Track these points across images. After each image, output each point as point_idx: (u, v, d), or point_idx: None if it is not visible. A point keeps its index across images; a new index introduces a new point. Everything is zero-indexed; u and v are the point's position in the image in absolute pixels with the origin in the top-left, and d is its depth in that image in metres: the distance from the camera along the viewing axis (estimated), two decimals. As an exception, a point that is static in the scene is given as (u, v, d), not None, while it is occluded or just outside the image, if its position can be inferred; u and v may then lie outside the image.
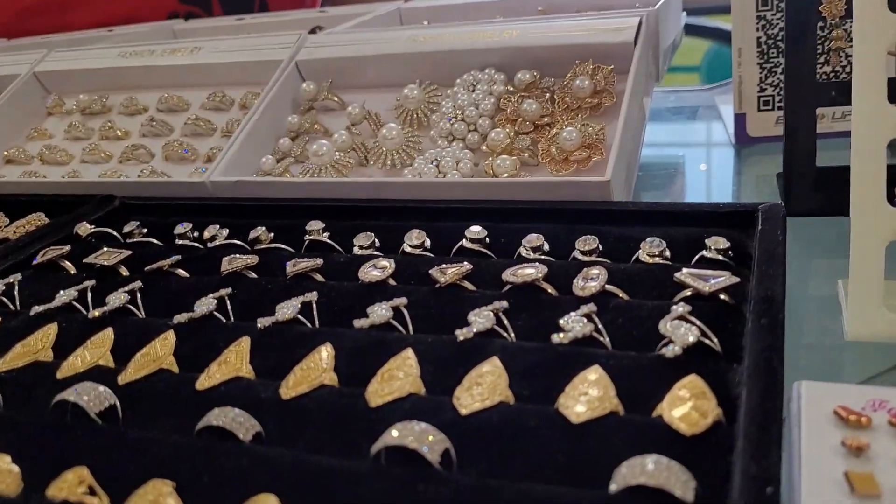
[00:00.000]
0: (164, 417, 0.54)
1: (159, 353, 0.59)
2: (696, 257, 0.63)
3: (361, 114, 0.92)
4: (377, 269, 0.66)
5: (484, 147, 0.84)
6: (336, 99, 0.97)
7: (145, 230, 0.82)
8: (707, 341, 0.52)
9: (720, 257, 0.62)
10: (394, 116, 0.93)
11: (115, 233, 0.82)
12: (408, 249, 0.71)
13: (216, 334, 0.62)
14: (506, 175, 0.79)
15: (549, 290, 0.61)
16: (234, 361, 0.57)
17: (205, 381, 0.55)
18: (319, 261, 0.69)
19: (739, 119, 0.97)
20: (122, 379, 0.57)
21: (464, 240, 0.70)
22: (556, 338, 0.53)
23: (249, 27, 1.26)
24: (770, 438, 0.42)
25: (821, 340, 0.68)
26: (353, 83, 0.99)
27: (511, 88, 0.89)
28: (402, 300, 0.61)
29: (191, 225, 0.79)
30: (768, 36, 0.94)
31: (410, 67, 0.95)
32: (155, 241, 0.80)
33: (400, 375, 0.53)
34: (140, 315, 0.67)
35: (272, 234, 0.76)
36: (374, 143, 0.88)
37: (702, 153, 1.00)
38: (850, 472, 0.40)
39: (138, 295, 0.69)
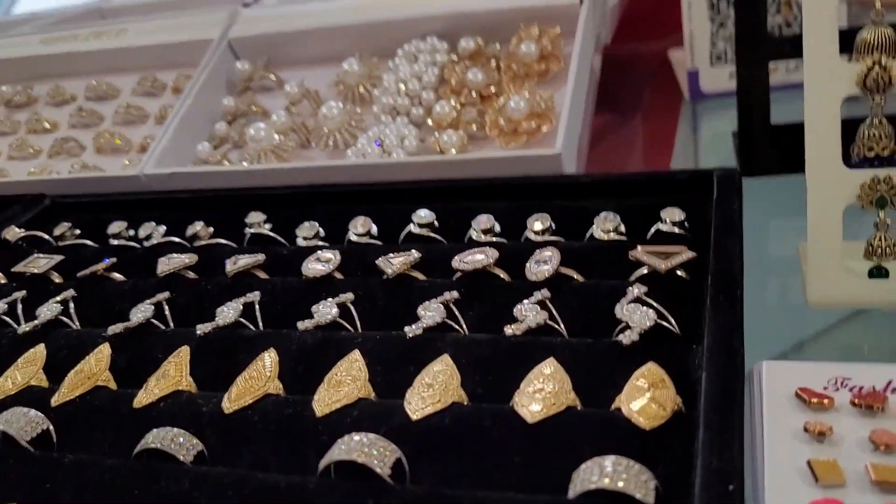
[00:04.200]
0: (101, 439, 0.51)
1: (94, 368, 0.56)
2: (652, 230, 0.61)
3: (300, 92, 0.88)
4: (321, 263, 0.63)
5: (429, 121, 0.81)
6: (273, 77, 0.93)
7: (78, 231, 0.78)
8: (665, 324, 0.50)
9: (676, 230, 0.60)
10: (335, 93, 0.89)
11: (46, 235, 0.78)
12: (354, 238, 0.68)
13: (154, 344, 0.58)
14: (453, 150, 0.76)
15: (502, 276, 0.58)
16: (174, 374, 0.54)
17: (143, 398, 0.52)
18: (260, 257, 0.65)
19: (692, 75, 0.94)
20: (56, 400, 0.54)
21: (411, 225, 0.67)
22: (510, 329, 0.51)
23: (178, 3, 1.19)
24: (731, 426, 0.40)
25: (781, 304, 0.67)
26: (291, 59, 0.94)
27: (455, 57, 0.85)
28: (349, 296, 0.58)
29: (125, 223, 0.75)
30: (717, -12, 0.91)
31: (349, 40, 0.91)
32: (89, 242, 0.76)
33: (348, 380, 0.50)
34: (74, 326, 0.64)
35: (211, 230, 0.73)
36: (315, 122, 0.84)
37: (657, 111, 0.97)
38: (813, 460, 0.39)
39: (71, 304, 0.65)
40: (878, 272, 0.56)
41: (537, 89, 0.79)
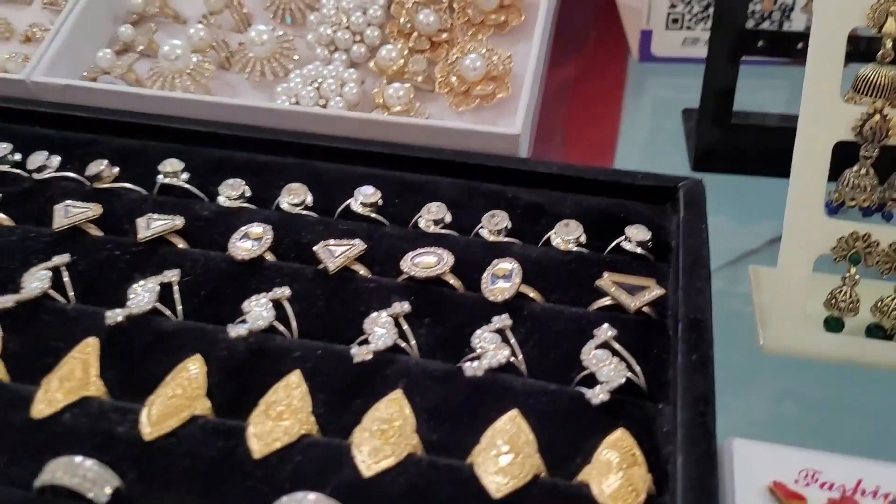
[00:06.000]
0: (-10, 457, 0.44)
1: (-20, 356, 0.48)
2: (613, 245, 0.58)
3: (224, 1, 0.76)
4: (250, 240, 0.56)
5: (371, 64, 0.73)
6: (189, -27, 0.80)
7: (-52, 145, 0.66)
8: (633, 376, 0.47)
9: (639, 250, 0.57)
10: (262, 6, 0.78)
11: None
12: (285, 206, 0.60)
13: (53, 326, 0.51)
14: (398, 108, 0.68)
15: (456, 286, 0.54)
16: (81, 375, 0.47)
17: (44, 407, 0.45)
18: (179, 221, 0.57)
19: (646, 35, 0.89)
20: (-68, 395, 0.46)
21: (352, 201, 0.60)
22: (470, 369, 0.47)
23: None
24: (710, 532, 0.38)
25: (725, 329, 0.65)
26: (211, -47, 0.82)
27: (404, -12, 0.76)
28: (285, 291, 0.52)
29: (10, 146, 0.64)
30: (687, -54, 0.85)
31: (283, -57, 0.79)
32: (-38, 161, 0.65)
33: (287, 412, 0.45)
34: (-51, 284, 0.54)
35: (116, 170, 0.63)
36: (240, 44, 0.74)
37: (603, 68, 0.92)
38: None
39: (-55, 254, 0.55)
40: (834, 324, 0.55)
41: (493, 44, 0.72)
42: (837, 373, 0.56)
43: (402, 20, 0.73)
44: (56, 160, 0.64)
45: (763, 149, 0.72)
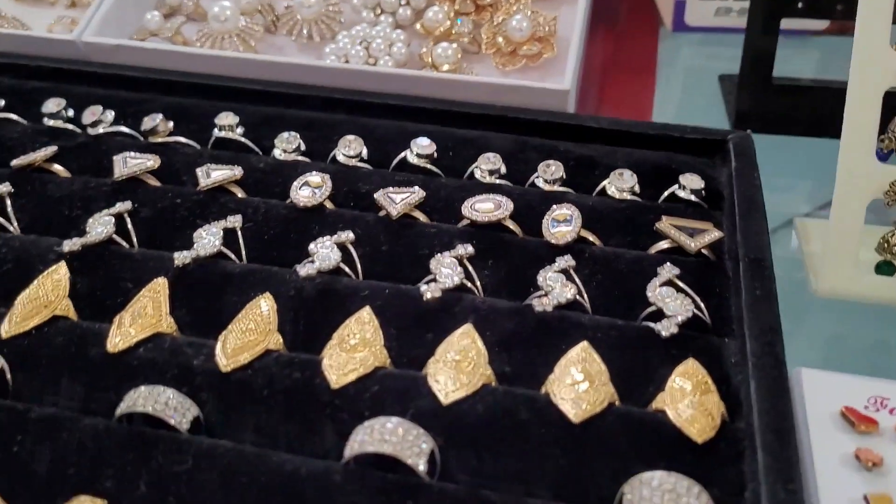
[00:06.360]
0: (68, 388, 0.45)
1: (50, 294, 0.49)
2: (667, 193, 0.58)
3: (268, -34, 0.77)
4: (309, 188, 0.57)
5: (418, 26, 0.73)
6: (232, -61, 0.81)
7: (2, 102, 0.66)
8: (699, 314, 0.48)
9: (693, 198, 0.57)
10: (306, -28, 0.79)
11: (-38, 104, 0.66)
12: (341, 159, 0.61)
13: (121, 268, 0.51)
14: (446, 67, 0.69)
15: (516, 231, 0.54)
16: (152, 312, 0.47)
17: (118, 342, 0.46)
18: (238, 171, 0.58)
19: (679, 6, 0.90)
20: (8, 330, 0.46)
21: (408, 153, 0.61)
22: (539, 305, 0.47)
23: None
24: (790, 451, 0.39)
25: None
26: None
27: (448, -47, 0.77)
28: (349, 235, 0.52)
29: (63, 101, 0.65)
30: (723, -86, 0.86)
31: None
32: (16, 117, 0.65)
33: (361, 345, 0.45)
34: (12, 230, 0.55)
35: (171, 125, 0.64)
36: (287, 7, 0.75)
37: (636, 36, 0.93)
38: (869, 495, 0.38)
39: (8, 202, 0.56)
40: (886, 268, 0.56)
41: (538, 7, 0.73)
42: (886, 314, 0.57)
43: (446, -17, 0.74)
44: (110, 115, 0.64)
45: (802, 110, 0.72)
